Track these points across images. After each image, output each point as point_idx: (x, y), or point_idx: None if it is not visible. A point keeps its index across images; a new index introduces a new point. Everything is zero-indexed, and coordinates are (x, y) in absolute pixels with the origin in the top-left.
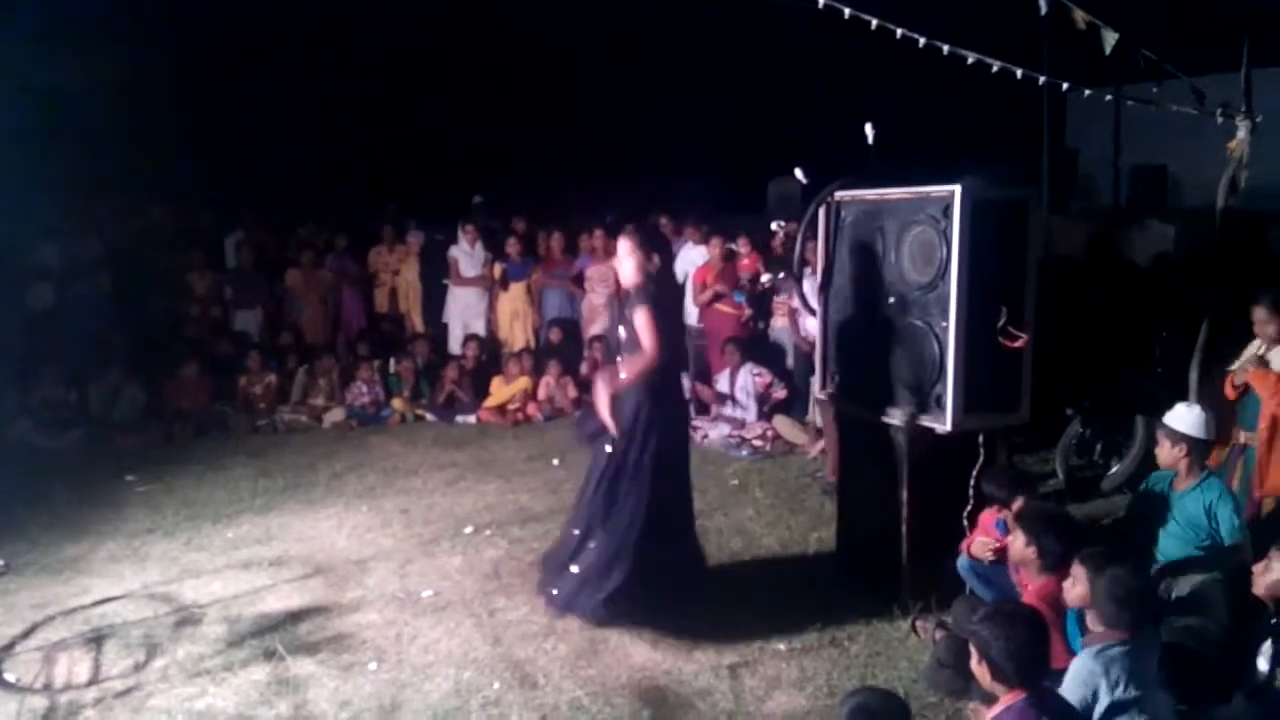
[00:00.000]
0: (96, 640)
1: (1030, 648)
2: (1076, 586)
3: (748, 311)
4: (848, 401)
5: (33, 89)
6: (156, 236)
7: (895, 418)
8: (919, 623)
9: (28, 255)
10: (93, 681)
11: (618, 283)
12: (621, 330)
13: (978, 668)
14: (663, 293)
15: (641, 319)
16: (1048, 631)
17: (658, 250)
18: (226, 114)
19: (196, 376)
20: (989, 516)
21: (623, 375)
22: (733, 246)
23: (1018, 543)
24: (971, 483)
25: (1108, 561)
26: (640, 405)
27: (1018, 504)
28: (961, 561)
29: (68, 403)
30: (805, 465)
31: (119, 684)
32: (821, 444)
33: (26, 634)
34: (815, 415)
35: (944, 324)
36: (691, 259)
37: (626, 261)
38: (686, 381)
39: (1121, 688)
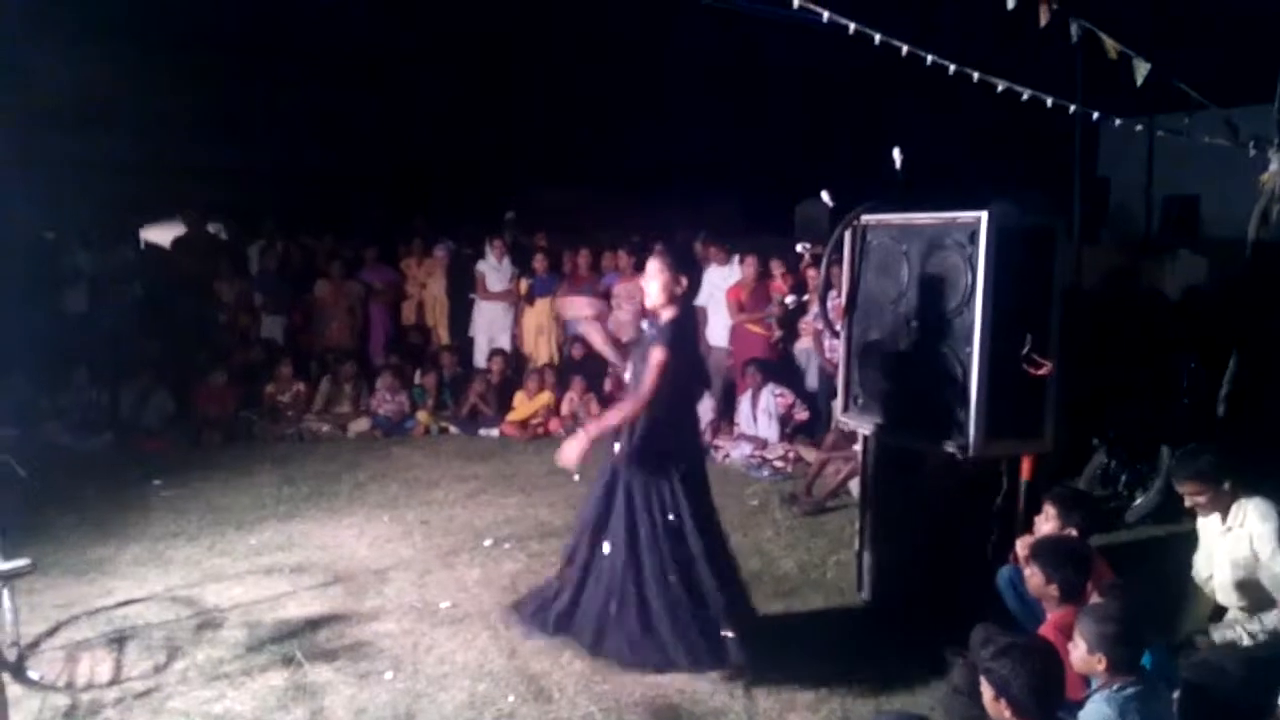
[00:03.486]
0: (119, 641)
1: (1051, 681)
2: (1078, 650)
3: (778, 333)
4: (871, 425)
5: (67, 97)
6: (188, 244)
7: (918, 442)
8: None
9: (64, 260)
10: (114, 682)
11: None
12: (631, 366)
13: (994, 704)
14: (685, 329)
15: (654, 360)
16: (1063, 663)
17: (686, 273)
18: (257, 123)
19: (224, 384)
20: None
21: (600, 420)
22: (768, 270)
23: (1036, 579)
24: (995, 510)
25: (1093, 611)
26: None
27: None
28: (1003, 573)
29: (98, 406)
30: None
31: (139, 685)
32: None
33: (51, 632)
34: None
35: (967, 350)
36: (714, 281)
37: (653, 282)
38: (710, 400)
39: None
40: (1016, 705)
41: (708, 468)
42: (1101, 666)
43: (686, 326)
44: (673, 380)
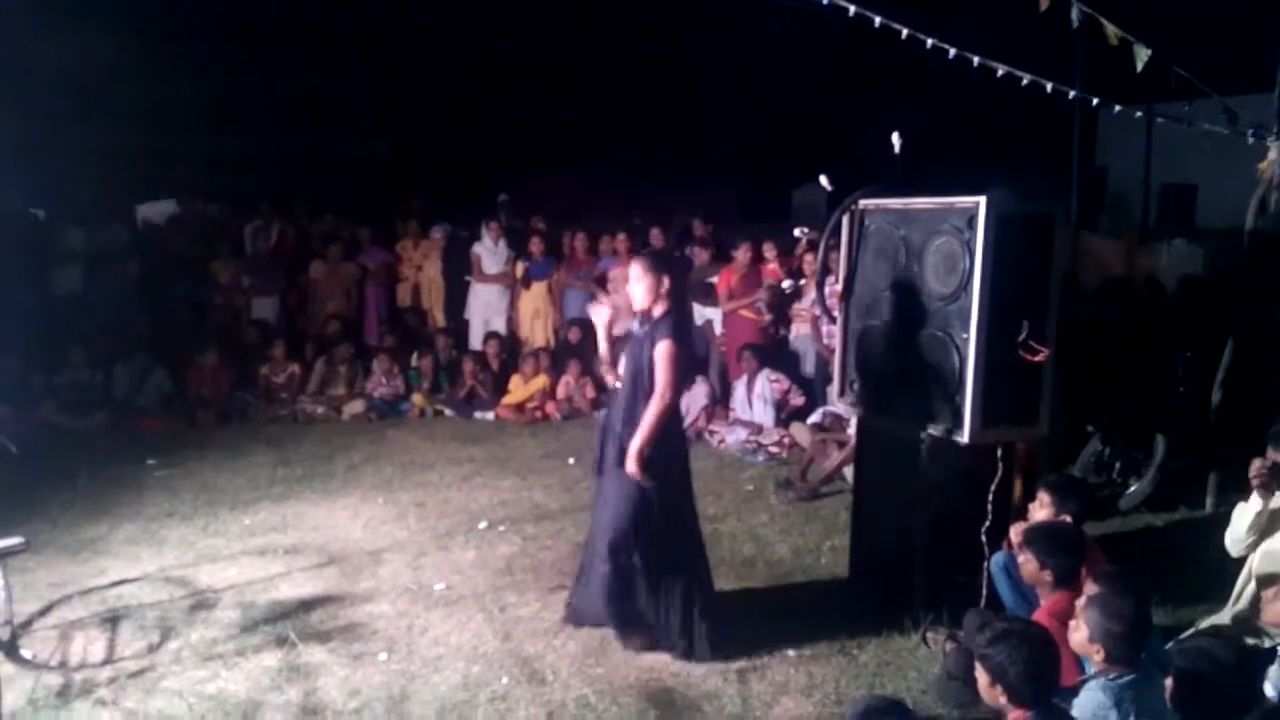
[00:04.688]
0: (112, 621)
1: (1047, 668)
2: (1079, 632)
3: (767, 317)
4: (866, 410)
5: (65, 78)
6: (183, 225)
7: (913, 428)
8: (930, 634)
9: (58, 240)
10: (107, 661)
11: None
12: (624, 360)
13: (989, 690)
14: (681, 322)
15: (663, 354)
16: (1058, 649)
17: (669, 273)
18: (254, 107)
19: (218, 364)
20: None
21: (639, 435)
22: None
23: (1030, 565)
24: (990, 496)
25: (1103, 601)
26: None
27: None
28: (997, 558)
29: (93, 386)
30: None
31: (133, 665)
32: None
33: (44, 612)
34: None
35: (965, 335)
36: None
37: (638, 286)
38: (704, 386)
39: (1133, 718)
40: (1012, 691)
41: (703, 453)
42: (1099, 656)
43: (682, 320)
44: (681, 371)
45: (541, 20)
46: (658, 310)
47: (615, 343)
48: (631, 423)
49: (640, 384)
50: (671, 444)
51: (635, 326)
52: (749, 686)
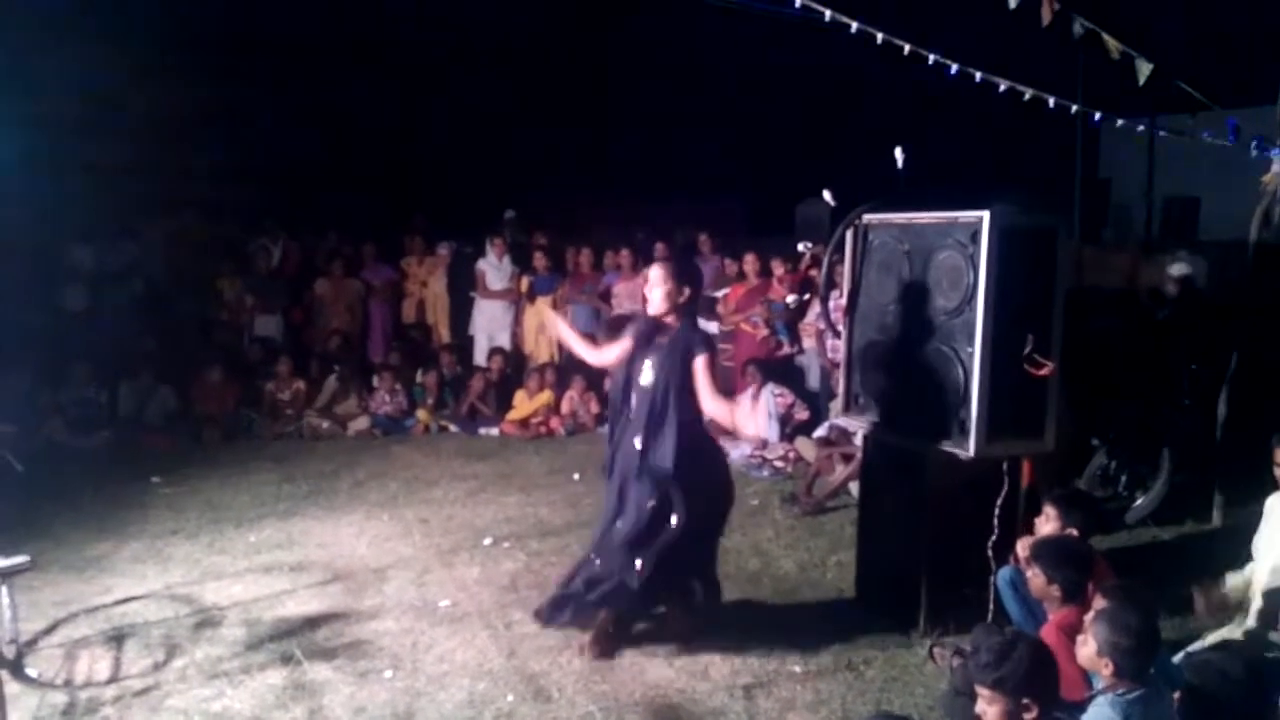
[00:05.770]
0: (117, 639)
1: (1047, 680)
2: (1087, 647)
3: (764, 331)
4: (871, 425)
5: (70, 93)
6: (189, 242)
7: (919, 442)
8: (936, 649)
9: (64, 258)
10: (112, 679)
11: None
12: (649, 368)
13: (990, 708)
14: (706, 334)
15: (702, 366)
16: (1056, 662)
17: (690, 284)
18: (258, 122)
19: (223, 381)
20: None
21: (717, 404)
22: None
23: (1038, 580)
24: (996, 511)
25: (1112, 615)
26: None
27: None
28: (1003, 573)
29: (98, 403)
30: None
31: (138, 683)
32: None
33: (49, 630)
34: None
35: (969, 350)
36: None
37: (655, 290)
38: None
39: None
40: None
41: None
42: (1108, 671)
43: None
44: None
45: (545, 34)
46: (671, 319)
47: (617, 325)
48: (658, 433)
49: (668, 391)
50: (712, 457)
51: (640, 323)
52: (755, 703)
